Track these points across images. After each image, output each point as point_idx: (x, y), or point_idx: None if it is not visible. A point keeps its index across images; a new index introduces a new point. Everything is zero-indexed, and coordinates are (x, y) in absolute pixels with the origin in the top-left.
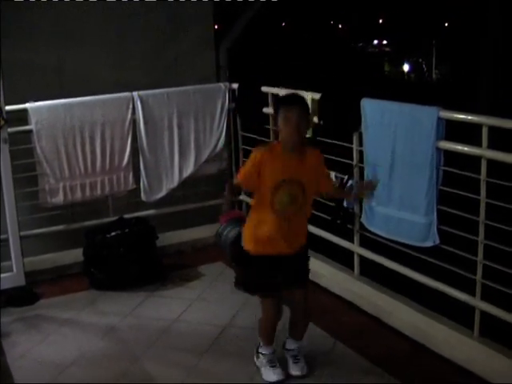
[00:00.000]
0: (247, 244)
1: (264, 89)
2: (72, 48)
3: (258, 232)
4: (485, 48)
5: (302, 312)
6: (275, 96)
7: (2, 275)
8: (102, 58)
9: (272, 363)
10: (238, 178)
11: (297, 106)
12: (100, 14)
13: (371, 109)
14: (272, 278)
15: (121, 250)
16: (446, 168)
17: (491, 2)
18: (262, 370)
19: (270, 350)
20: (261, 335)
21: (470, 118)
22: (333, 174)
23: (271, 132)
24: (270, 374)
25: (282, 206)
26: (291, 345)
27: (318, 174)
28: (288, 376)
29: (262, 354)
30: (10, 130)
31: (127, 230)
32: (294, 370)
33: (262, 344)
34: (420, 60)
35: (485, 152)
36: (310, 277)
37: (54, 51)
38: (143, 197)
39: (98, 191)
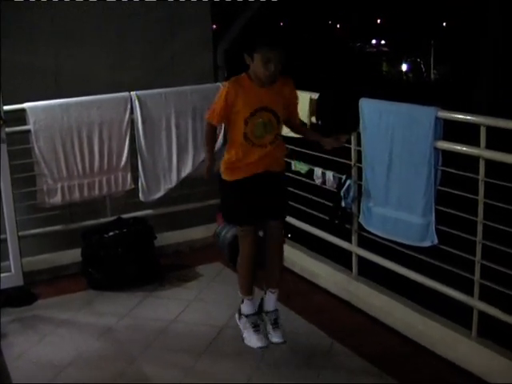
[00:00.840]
0: (224, 173)
1: None
2: (70, 48)
3: (234, 161)
4: (485, 48)
5: (278, 247)
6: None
7: (1, 275)
8: (100, 58)
9: (255, 327)
10: (208, 117)
11: (280, 49)
12: (98, 14)
13: (369, 109)
14: (246, 203)
15: (119, 250)
16: (444, 168)
17: (491, 2)
18: (245, 333)
19: (252, 307)
20: (240, 282)
21: (468, 118)
22: (330, 174)
23: None
24: (253, 340)
25: (256, 135)
26: (269, 304)
27: (289, 103)
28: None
29: (245, 316)
30: (7, 129)
31: (125, 230)
32: (274, 337)
33: (242, 297)
34: (418, 60)
35: (483, 152)
36: (308, 276)
37: (52, 51)
38: (141, 197)
39: (96, 191)
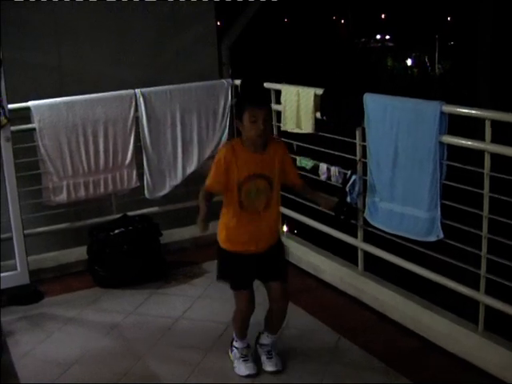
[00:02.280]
0: (220, 240)
1: (267, 85)
2: (74, 46)
3: (228, 230)
4: (482, 43)
5: (281, 304)
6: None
7: (7, 274)
8: (104, 55)
9: (245, 357)
10: (207, 186)
11: (266, 106)
12: (102, 12)
13: (374, 104)
14: (243, 272)
15: (124, 247)
16: (450, 162)
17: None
18: (235, 363)
19: (243, 343)
20: (234, 328)
21: (473, 112)
22: (336, 170)
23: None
24: (242, 368)
25: (249, 201)
26: (265, 340)
27: (285, 166)
28: (262, 371)
29: (236, 348)
30: (12, 128)
31: (131, 227)
32: (268, 366)
33: (235, 337)
34: (423, 55)
35: (488, 146)
36: (314, 272)
37: (56, 49)
38: (147, 194)
39: (102, 189)
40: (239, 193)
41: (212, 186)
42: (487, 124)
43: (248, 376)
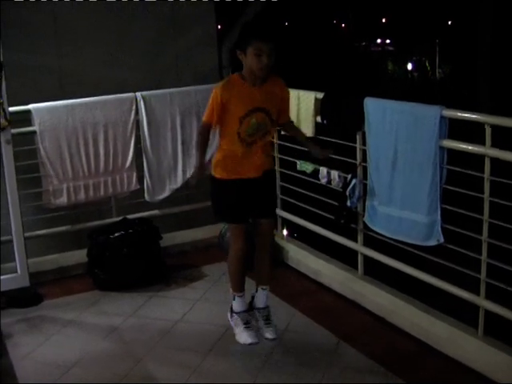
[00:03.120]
0: (215, 171)
1: None
2: (74, 49)
3: (225, 159)
4: (482, 47)
5: (267, 245)
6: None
7: (7, 276)
8: (104, 58)
9: (247, 324)
10: (205, 120)
11: (272, 41)
12: (101, 14)
13: (374, 108)
14: (238, 203)
15: (124, 250)
16: (450, 167)
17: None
18: (237, 330)
19: (243, 304)
20: (230, 277)
21: (473, 116)
22: (336, 174)
23: None
24: (244, 336)
25: (249, 133)
26: (261, 301)
27: (281, 102)
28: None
29: (236, 313)
30: (13, 131)
31: (131, 230)
32: (268, 333)
33: (232, 291)
34: (423, 59)
35: (488, 151)
36: (314, 276)
37: (56, 52)
38: (147, 197)
39: (102, 192)
40: (239, 126)
41: (211, 118)
42: (487, 129)
43: (250, 344)
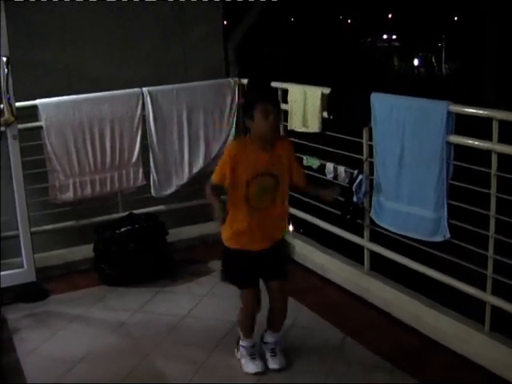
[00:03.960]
0: (225, 241)
1: (274, 84)
2: (81, 45)
3: (233, 227)
4: (490, 42)
5: (279, 303)
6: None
7: (14, 271)
8: (111, 54)
9: (252, 355)
10: (214, 180)
11: (276, 102)
12: (108, 11)
13: (381, 103)
14: (247, 271)
15: (131, 245)
16: (456, 162)
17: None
18: (243, 361)
19: (250, 342)
20: (240, 327)
21: (480, 112)
22: (342, 169)
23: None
24: (250, 365)
25: (255, 199)
26: (269, 338)
27: (291, 165)
28: (267, 369)
29: (243, 347)
30: (20, 126)
31: (137, 225)
32: (272, 364)
33: (241, 337)
34: (430, 55)
35: (495, 146)
36: (320, 271)
37: (63, 48)
38: (153, 192)
39: (108, 187)
40: (247, 190)
41: (219, 179)
42: (494, 124)
43: (256, 373)
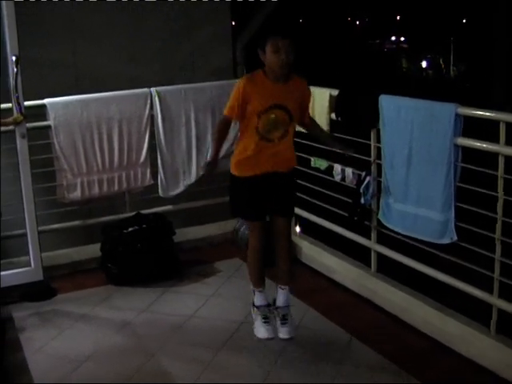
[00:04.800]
0: (234, 168)
1: None
2: (89, 44)
3: (244, 156)
4: (499, 45)
5: (285, 244)
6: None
7: (21, 270)
8: (120, 54)
9: (265, 319)
10: (225, 113)
11: (288, 38)
12: (117, 11)
13: (389, 105)
14: (254, 200)
15: (138, 245)
16: (464, 164)
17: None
18: (255, 324)
19: (263, 298)
20: (250, 273)
21: (487, 114)
22: (350, 171)
23: None
24: (261, 331)
25: (267, 130)
26: (280, 299)
27: (303, 99)
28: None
29: (257, 307)
30: (28, 125)
31: (144, 225)
32: (282, 333)
33: (252, 287)
34: (438, 57)
35: (502, 149)
36: (327, 273)
37: (72, 47)
38: (161, 192)
39: (116, 187)
40: (258, 121)
41: (231, 113)
42: (502, 126)
43: (266, 339)
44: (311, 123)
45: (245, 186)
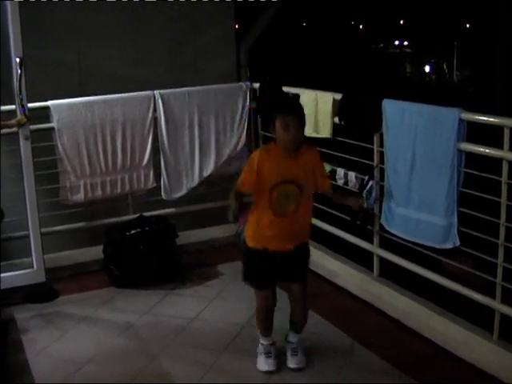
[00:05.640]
0: (247, 238)
1: (285, 89)
2: (92, 46)
3: (257, 231)
4: (500, 50)
5: (300, 305)
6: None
7: (23, 271)
8: (123, 56)
9: (268, 354)
10: (240, 186)
11: (298, 113)
12: (121, 13)
13: (392, 109)
14: (266, 272)
15: (140, 247)
16: (467, 170)
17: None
18: (258, 358)
19: (267, 340)
20: (257, 325)
21: (491, 119)
22: (353, 175)
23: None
24: (262, 364)
25: (278, 205)
26: (292, 337)
27: (316, 172)
28: (284, 368)
29: (261, 344)
30: (31, 127)
31: (147, 228)
32: (291, 363)
33: (259, 334)
34: (441, 61)
35: (506, 154)
36: (330, 277)
37: (76, 50)
38: (163, 195)
39: (119, 189)
40: (270, 196)
41: (243, 186)
42: (506, 132)
43: (266, 372)
44: (331, 191)
45: (256, 257)
